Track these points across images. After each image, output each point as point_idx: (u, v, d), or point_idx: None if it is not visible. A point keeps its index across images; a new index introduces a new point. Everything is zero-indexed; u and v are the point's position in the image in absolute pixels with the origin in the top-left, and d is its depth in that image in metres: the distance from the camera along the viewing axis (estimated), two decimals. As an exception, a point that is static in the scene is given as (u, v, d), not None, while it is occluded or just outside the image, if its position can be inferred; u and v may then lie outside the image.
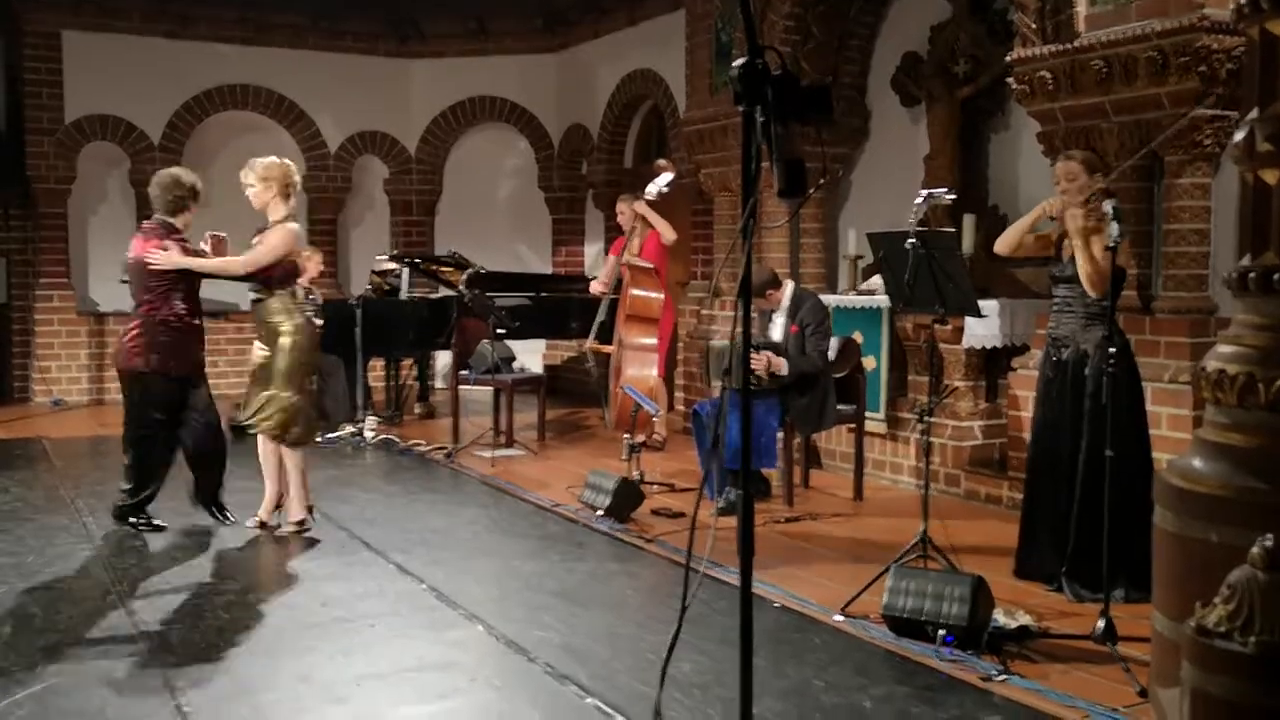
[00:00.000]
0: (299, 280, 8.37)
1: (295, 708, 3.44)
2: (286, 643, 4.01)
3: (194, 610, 4.39)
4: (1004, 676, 3.64)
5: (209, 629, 4.17)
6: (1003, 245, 4.92)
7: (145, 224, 5.65)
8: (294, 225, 5.47)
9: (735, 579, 4.06)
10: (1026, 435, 5.23)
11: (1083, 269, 4.48)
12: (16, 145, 10.10)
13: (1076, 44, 5.50)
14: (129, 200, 10.52)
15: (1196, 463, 2.97)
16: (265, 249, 5.39)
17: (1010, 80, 5.98)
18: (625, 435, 6.46)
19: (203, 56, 10.61)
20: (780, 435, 6.14)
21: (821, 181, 7.97)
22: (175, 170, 5.76)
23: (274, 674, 3.70)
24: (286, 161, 5.53)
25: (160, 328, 5.42)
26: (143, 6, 10.34)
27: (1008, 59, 5.93)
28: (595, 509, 5.81)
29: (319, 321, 8.47)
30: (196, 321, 5.55)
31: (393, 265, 9.36)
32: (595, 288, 8.38)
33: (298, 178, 5.54)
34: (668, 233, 7.86)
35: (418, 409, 9.81)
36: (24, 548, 5.26)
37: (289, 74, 10.95)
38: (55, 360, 10.26)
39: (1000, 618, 3.99)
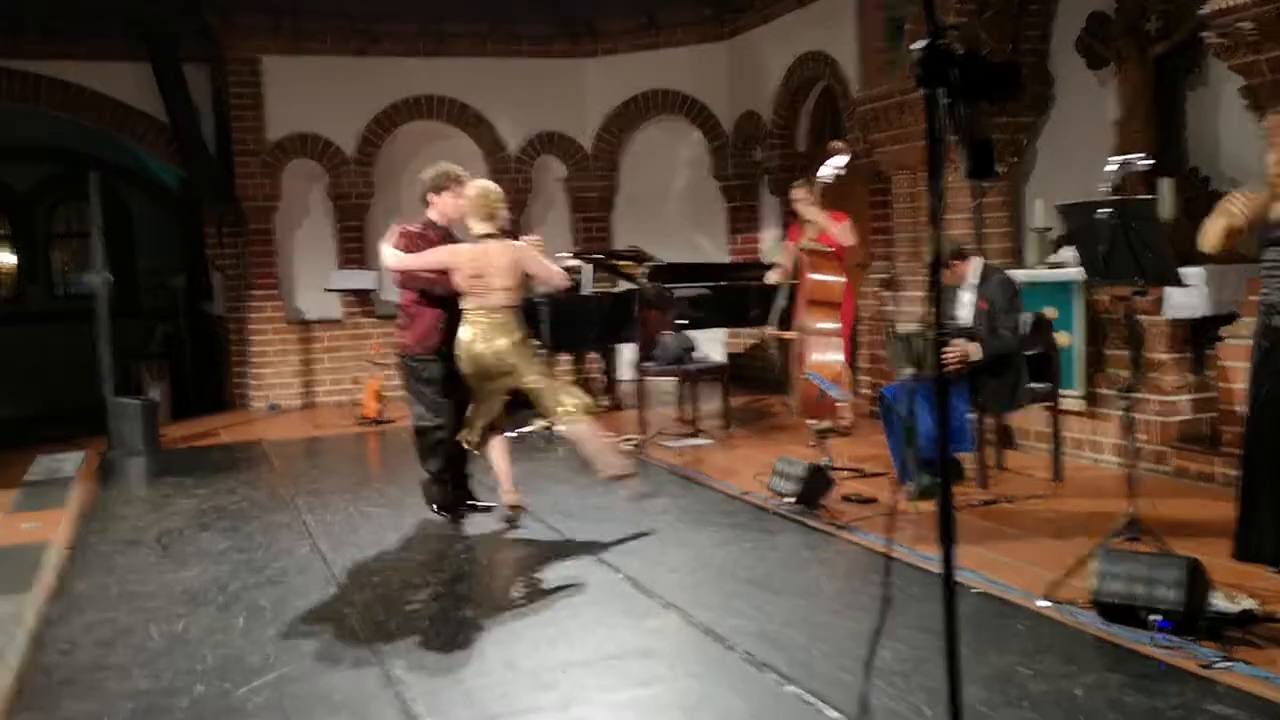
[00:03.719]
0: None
1: (504, 693, 3.59)
2: (494, 631, 4.19)
3: (406, 600, 4.63)
4: (1227, 664, 3.47)
5: (420, 618, 4.39)
6: (1206, 243, 4.54)
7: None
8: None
9: (931, 565, 4.00)
10: (1239, 408, 4.95)
11: None
12: (225, 166, 10.81)
13: (1282, -10, 5.15)
14: (329, 213, 11.13)
15: None
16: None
17: (1207, 34, 5.64)
18: (811, 421, 6.42)
19: (389, 71, 11.09)
20: (972, 416, 5.99)
21: (1013, 160, 7.69)
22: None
23: (483, 661, 3.88)
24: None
25: None
26: (334, 28, 10.89)
27: (1203, 11, 5.59)
28: (785, 496, 5.82)
29: None
30: None
31: (575, 262, 9.57)
32: (772, 277, 8.29)
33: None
34: (846, 238, 7.54)
35: (605, 401, 10.01)
36: (252, 544, 5.66)
37: (469, 81, 11.33)
38: (269, 367, 10.92)
39: (1220, 601, 3.79)
